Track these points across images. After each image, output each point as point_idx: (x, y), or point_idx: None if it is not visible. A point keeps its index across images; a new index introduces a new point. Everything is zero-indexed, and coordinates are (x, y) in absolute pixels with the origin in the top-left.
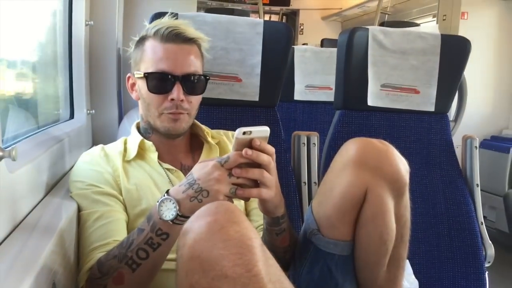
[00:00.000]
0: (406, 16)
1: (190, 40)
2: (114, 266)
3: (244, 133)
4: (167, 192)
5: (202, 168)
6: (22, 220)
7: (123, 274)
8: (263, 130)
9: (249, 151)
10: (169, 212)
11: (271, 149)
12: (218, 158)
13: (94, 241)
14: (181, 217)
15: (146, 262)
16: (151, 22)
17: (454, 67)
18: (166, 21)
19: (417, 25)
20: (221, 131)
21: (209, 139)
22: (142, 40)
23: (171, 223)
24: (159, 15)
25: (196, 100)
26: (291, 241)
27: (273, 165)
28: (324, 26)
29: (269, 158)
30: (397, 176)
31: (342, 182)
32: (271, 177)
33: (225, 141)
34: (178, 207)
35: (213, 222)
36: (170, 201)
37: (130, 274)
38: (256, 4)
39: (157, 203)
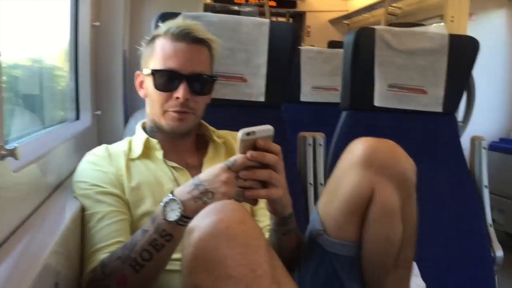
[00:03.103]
0: (413, 19)
1: (200, 41)
2: (117, 268)
3: (248, 134)
4: (172, 192)
5: (209, 171)
6: (26, 220)
7: (126, 276)
8: (267, 129)
9: (254, 153)
10: (173, 213)
11: (277, 147)
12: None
13: (97, 242)
14: (185, 218)
15: (149, 263)
16: (156, 22)
17: (462, 67)
18: (178, 21)
19: (424, 26)
20: (227, 132)
21: (215, 138)
22: (153, 38)
23: (175, 224)
24: (164, 16)
25: (202, 100)
26: (297, 241)
27: (280, 164)
28: (331, 28)
29: (275, 157)
30: (405, 176)
31: (349, 182)
32: (279, 177)
33: (231, 141)
34: (182, 208)
35: (218, 221)
36: (174, 201)
37: (133, 275)
38: (262, 6)
39: (162, 204)
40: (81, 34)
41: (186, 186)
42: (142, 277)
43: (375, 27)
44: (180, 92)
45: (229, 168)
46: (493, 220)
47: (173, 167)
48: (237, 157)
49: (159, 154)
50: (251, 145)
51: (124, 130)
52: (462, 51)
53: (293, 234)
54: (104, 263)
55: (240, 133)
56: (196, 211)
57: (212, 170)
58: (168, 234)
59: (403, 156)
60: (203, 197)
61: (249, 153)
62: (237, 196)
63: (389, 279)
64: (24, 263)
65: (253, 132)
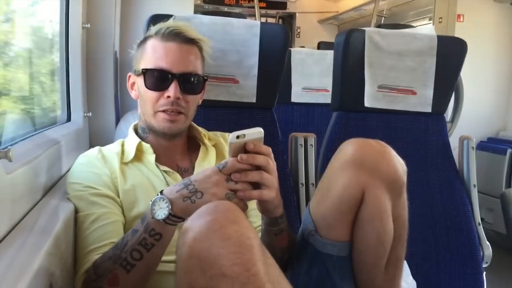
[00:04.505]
0: (402, 19)
1: (191, 41)
2: (109, 268)
3: (237, 137)
4: (162, 192)
5: (200, 172)
6: (19, 221)
7: (118, 276)
8: (257, 132)
9: (244, 156)
10: (161, 211)
11: (267, 149)
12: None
13: (91, 243)
14: (174, 217)
15: (140, 263)
16: (148, 25)
17: (450, 68)
18: (168, 22)
19: (413, 27)
20: (218, 133)
21: (206, 141)
22: (144, 40)
23: (163, 223)
24: (155, 18)
25: (193, 100)
26: (289, 242)
27: (271, 165)
28: (320, 29)
29: (266, 158)
30: (395, 177)
31: (340, 183)
32: (271, 178)
33: (222, 143)
34: (170, 206)
35: (212, 221)
36: (163, 200)
37: (124, 276)
38: (253, 7)
39: (150, 202)
40: (72, 35)
41: (176, 186)
42: (134, 277)
43: (365, 28)
44: (171, 91)
45: (220, 170)
46: (482, 219)
47: (165, 171)
48: (228, 160)
49: (151, 158)
50: (242, 147)
51: (115, 131)
52: (451, 52)
53: (284, 234)
54: (97, 264)
55: (230, 136)
56: (184, 210)
57: (204, 171)
58: (157, 233)
59: (393, 156)
60: (192, 197)
61: (240, 156)
62: (228, 198)
63: (380, 278)
64: (18, 265)
65: (243, 135)
